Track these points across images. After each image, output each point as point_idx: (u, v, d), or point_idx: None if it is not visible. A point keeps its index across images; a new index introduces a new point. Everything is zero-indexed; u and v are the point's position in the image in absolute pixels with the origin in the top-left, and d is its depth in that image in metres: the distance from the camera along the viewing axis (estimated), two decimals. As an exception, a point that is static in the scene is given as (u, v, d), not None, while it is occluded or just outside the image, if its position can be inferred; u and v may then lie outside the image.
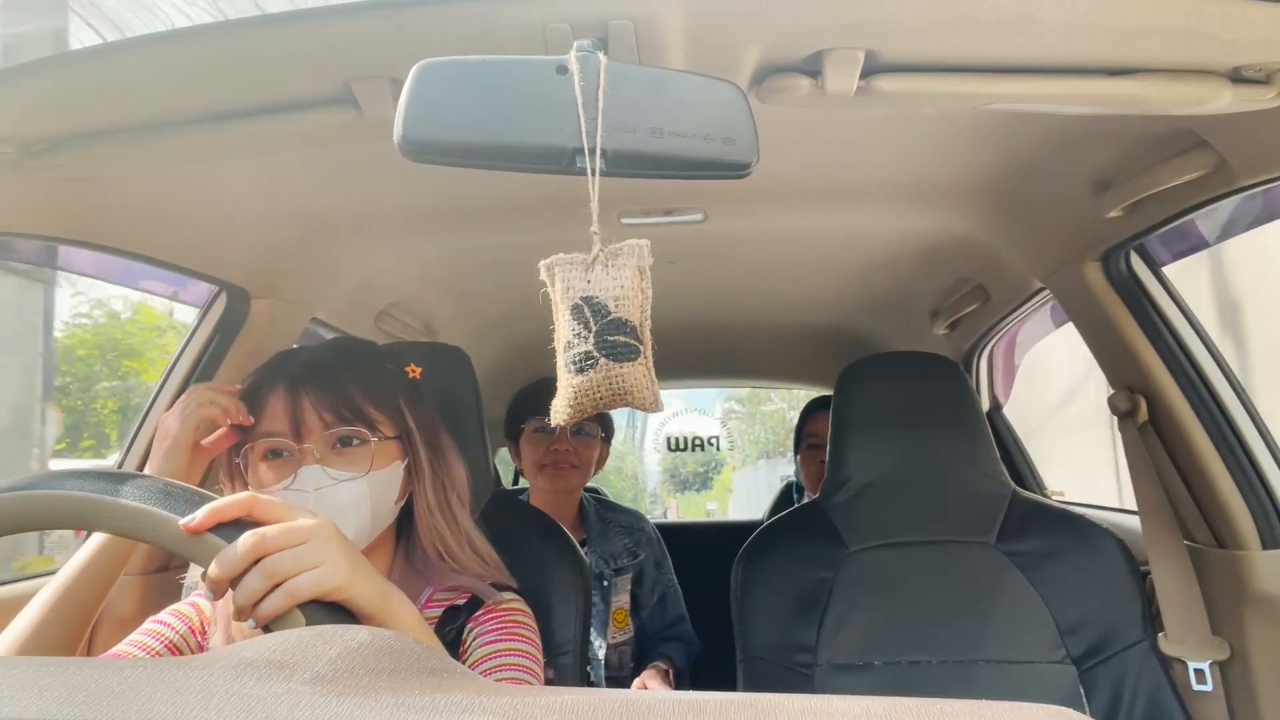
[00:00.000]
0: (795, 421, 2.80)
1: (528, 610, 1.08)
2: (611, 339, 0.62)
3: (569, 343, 0.63)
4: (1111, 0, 0.76)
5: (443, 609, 1.05)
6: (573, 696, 0.38)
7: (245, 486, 1.01)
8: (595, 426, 1.97)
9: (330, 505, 0.95)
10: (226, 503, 0.61)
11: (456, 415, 1.24)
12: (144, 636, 1.02)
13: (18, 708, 0.37)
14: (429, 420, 1.09)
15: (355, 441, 0.99)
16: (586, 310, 0.62)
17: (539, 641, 1.05)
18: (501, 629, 1.02)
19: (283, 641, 0.45)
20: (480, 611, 1.04)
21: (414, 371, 1.13)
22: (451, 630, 1.02)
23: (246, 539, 0.61)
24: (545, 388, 1.99)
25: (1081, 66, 0.87)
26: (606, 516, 2.04)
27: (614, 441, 2.13)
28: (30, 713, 0.37)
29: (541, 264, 0.65)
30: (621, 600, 1.93)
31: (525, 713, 0.37)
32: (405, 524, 1.08)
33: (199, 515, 0.60)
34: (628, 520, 2.06)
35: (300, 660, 0.42)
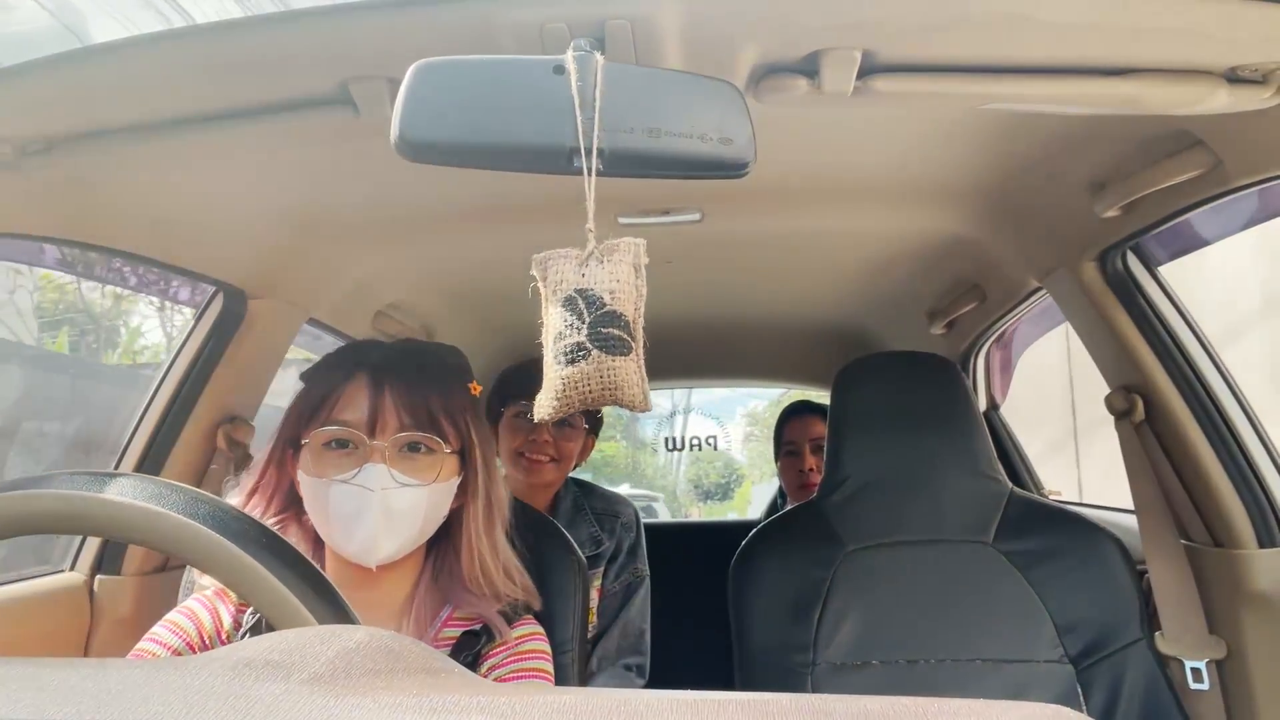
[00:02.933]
0: None
1: (545, 647, 1.07)
2: (605, 331, 0.62)
3: (560, 334, 0.62)
4: (1108, 0, 0.76)
5: (460, 631, 1.04)
6: (571, 696, 0.38)
7: (294, 469, 1.00)
8: (579, 417, 1.84)
9: (389, 508, 0.95)
10: None
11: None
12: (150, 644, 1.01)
13: (14, 708, 0.37)
14: (486, 439, 1.08)
15: (423, 449, 0.99)
16: (580, 302, 0.62)
17: (553, 674, 1.05)
18: (518, 674, 1.02)
19: (280, 641, 0.44)
20: (499, 647, 1.03)
21: (475, 389, 1.12)
22: (468, 656, 1.01)
23: None
24: (532, 369, 1.93)
25: (1078, 66, 0.87)
26: (581, 504, 1.94)
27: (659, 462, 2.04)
28: (26, 713, 0.37)
29: (534, 257, 0.64)
30: (590, 598, 1.87)
31: (524, 713, 0.37)
32: (438, 538, 1.06)
33: None
34: (604, 506, 1.96)
35: (298, 660, 0.42)
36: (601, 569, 1.88)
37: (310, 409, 1.00)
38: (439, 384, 1.03)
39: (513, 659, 1.03)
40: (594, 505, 1.95)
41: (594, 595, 1.86)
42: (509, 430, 1.84)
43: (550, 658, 1.06)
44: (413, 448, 0.99)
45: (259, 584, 0.59)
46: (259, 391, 1.61)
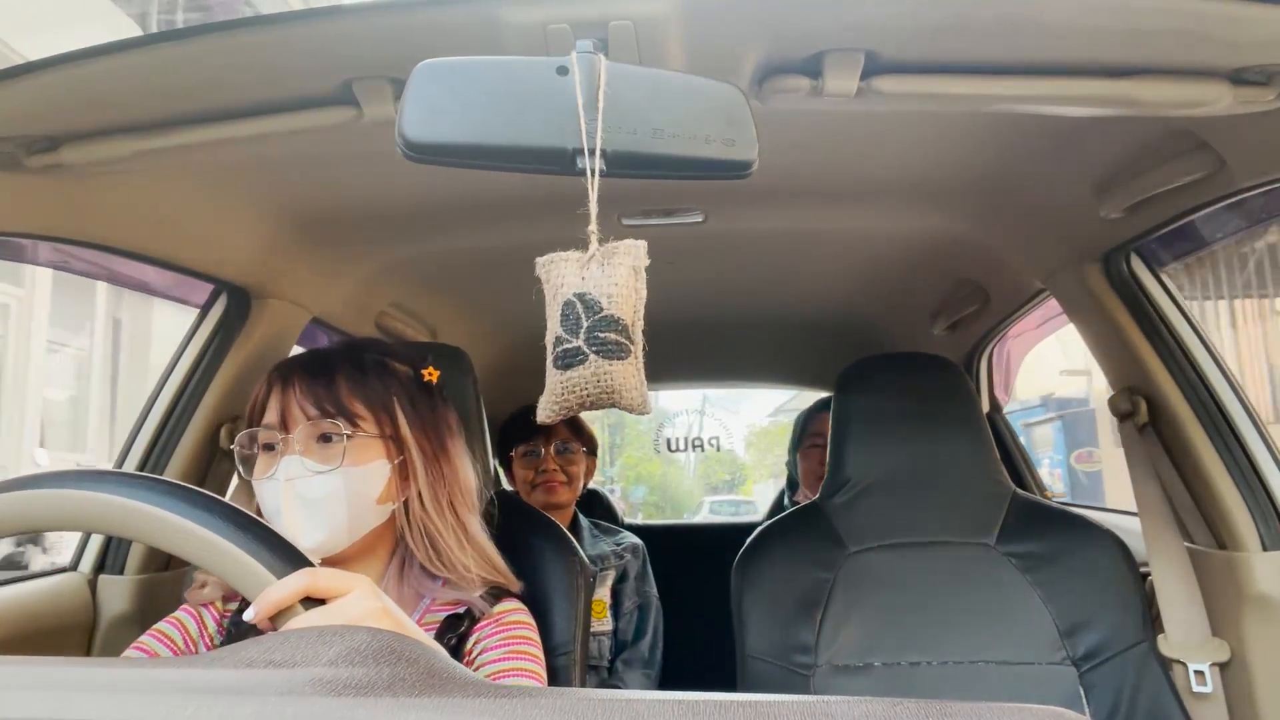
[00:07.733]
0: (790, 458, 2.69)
1: (530, 620, 1.07)
2: (602, 336, 0.62)
3: (559, 338, 0.62)
4: (1112, 2, 0.76)
5: (444, 615, 1.04)
6: (571, 698, 0.38)
7: (251, 475, 1.04)
8: (576, 443, 2.10)
9: (304, 497, 0.97)
10: (283, 594, 0.60)
11: (458, 416, 1.24)
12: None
13: (11, 709, 0.37)
14: (433, 424, 1.08)
15: (334, 437, 1.00)
16: (579, 306, 0.62)
17: (543, 653, 1.05)
18: (506, 645, 1.02)
19: (283, 642, 0.45)
20: (484, 622, 1.04)
21: (431, 375, 1.12)
22: (452, 637, 1.02)
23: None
24: (525, 415, 2.09)
25: (1082, 68, 0.87)
26: (596, 533, 2.14)
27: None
28: (23, 713, 0.37)
29: (538, 260, 0.64)
30: (601, 593, 2.00)
31: (524, 713, 0.37)
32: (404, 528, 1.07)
33: (260, 610, 0.60)
34: (615, 537, 2.16)
35: (300, 660, 0.42)
36: (614, 574, 2.05)
37: (246, 422, 1.06)
38: (353, 374, 1.05)
39: (500, 630, 1.03)
40: (605, 534, 2.16)
41: (604, 592, 2.02)
42: (520, 467, 2.10)
43: (536, 633, 1.07)
44: (325, 437, 1.01)
45: (208, 547, 0.58)
46: (262, 391, 1.61)
